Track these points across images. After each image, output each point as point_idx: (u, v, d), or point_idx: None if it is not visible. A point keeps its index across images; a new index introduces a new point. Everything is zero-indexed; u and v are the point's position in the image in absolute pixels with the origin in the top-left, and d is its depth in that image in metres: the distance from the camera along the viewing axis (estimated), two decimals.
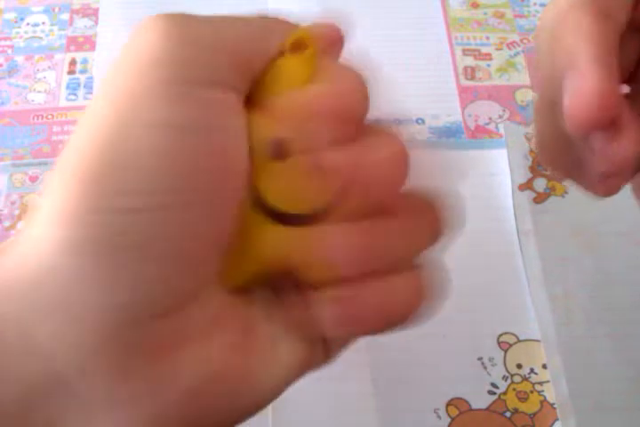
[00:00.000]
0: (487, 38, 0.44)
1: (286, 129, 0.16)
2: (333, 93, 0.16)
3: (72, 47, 0.43)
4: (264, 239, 0.16)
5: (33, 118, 0.41)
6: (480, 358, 0.33)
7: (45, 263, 0.13)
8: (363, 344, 0.32)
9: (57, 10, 0.45)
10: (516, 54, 0.43)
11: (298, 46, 0.17)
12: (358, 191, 0.16)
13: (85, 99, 0.41)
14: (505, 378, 0.32)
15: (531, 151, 0.38)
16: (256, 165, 0.16)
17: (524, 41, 0.44)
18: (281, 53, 0.17)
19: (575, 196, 0.36)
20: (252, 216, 0.16)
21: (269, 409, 0.31)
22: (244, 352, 0.15)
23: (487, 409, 0.32)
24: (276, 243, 0.16)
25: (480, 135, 0.40)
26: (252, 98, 0.16)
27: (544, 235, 0.35)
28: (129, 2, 0.44)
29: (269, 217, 0.16)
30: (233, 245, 0.16)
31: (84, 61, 0.43)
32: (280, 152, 0.16)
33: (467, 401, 0.32)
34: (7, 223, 0.37)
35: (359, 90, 0.16)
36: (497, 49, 0.43)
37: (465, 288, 0.34)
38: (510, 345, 0.33)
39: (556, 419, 0.31)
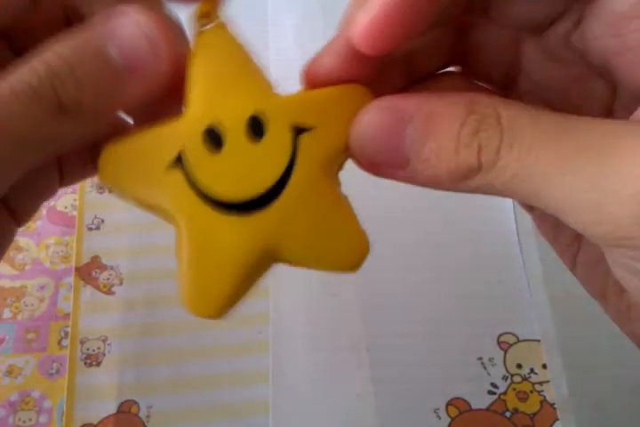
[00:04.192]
0: None
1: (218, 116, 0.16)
2: None
3: None
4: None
5: None
6: (480, 358, 0.33)
7: None
8: (363, 344, 0.32)
9: None
10: None
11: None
12: None
13: None
14: (505, 378, 0.32)
15: None
16: (195, 160, 0.16)
17: None
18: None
19: None
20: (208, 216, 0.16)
21: (269, 409, 0.31)
22: None
23: (487, 409, 0.32)
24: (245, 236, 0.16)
25: None
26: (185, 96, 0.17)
27: None
28: None
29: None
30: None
31: None
32: (216, 141, 0.16)
33: (467, 401, 0.32)
34: None
35: None
36: None
37: (465, 288, 0.34)
38: (510, 345, 0.33)
39: (556, 419, 0.31)
